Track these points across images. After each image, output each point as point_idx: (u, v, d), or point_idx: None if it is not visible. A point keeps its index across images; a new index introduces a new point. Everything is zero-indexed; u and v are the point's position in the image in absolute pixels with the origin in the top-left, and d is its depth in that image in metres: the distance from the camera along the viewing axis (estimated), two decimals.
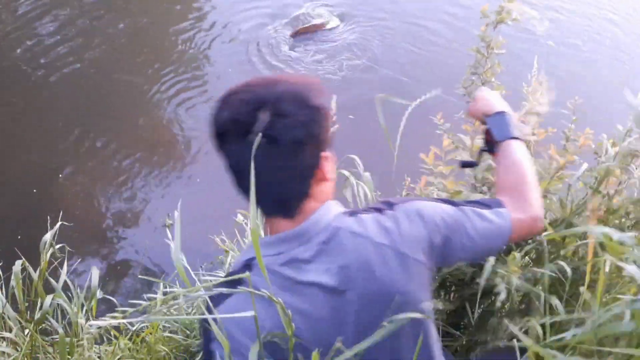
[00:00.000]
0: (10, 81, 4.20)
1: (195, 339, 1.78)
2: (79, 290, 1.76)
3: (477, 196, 1.25)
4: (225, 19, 4.81)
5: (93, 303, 1.67)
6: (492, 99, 1.12)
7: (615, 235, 0.63)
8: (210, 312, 0.81)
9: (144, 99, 4.02)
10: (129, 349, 1.72)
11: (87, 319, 1.70)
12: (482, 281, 0.90)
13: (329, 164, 0.86)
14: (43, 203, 3.24)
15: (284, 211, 0.85)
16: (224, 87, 0.86)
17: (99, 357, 1.68)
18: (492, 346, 1.12)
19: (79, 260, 2.83)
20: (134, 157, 3.59)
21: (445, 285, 1.36)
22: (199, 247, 2.54)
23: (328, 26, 4.63)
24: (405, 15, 4.78)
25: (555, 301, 0.91)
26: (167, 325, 1.83)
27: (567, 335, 0.69)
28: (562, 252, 1.12)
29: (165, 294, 2.01)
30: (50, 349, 1.64)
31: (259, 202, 0.85)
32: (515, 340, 0.71)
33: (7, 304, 1.61)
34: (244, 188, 0.84)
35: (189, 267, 1.88)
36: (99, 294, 1.69)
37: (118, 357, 1.67)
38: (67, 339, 1.52)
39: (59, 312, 1.73)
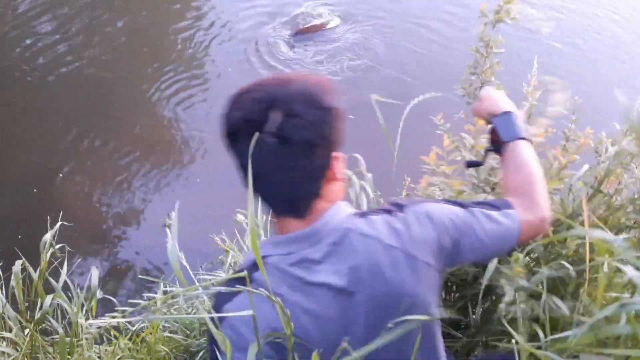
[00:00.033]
0: (10, 81, 4.20)
1: (195, 338, 1.78)
2: (79, 290, 1.76)
3: (481, 196, 1.24)
4: (225, 18, 4.81)
5: (93, 303, 1.67)
6: (498, 99, 1.11)
7: (607, 237, 0.63)
8: (216, 310, 0.81)
9: (143, 99, 4.02)
10: (129, 349, 1.72)
11: (87, 319, 1.70)
12: (484, 281, 0.89)
13: (340, 164, 0.86)
14: (43, 203, 3.25)
15: (295, 211, 0.85)
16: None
17: (99, 357, 1.67)
18: (491, 346, 1.12)
19: (79, 260, 2.83)
20: (133, 157, 3.59)
21: (447, 285, 1.35)
22: (199, 247, 2.53)
23: (328, 26, 4.63)
24: (405, 14, 4.78)
25: (557, 301, 0.90)
26: (167, 325, 1.83)
27: (566, 334, 0.68)
28: (563, 252, 1.12)
29: (165, 293, 2.01)
30: (50, 349, 1.63)
31: (270, 202, 0.86)
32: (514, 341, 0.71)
33: (7, 304, 1.61)
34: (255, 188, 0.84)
35: (188, 267, 1.88)
36: (99, 294, 1.69)
37: (118, 357, 1.67)
38: (67, 339, 1.51)
39: (59, 312, 1.72)
